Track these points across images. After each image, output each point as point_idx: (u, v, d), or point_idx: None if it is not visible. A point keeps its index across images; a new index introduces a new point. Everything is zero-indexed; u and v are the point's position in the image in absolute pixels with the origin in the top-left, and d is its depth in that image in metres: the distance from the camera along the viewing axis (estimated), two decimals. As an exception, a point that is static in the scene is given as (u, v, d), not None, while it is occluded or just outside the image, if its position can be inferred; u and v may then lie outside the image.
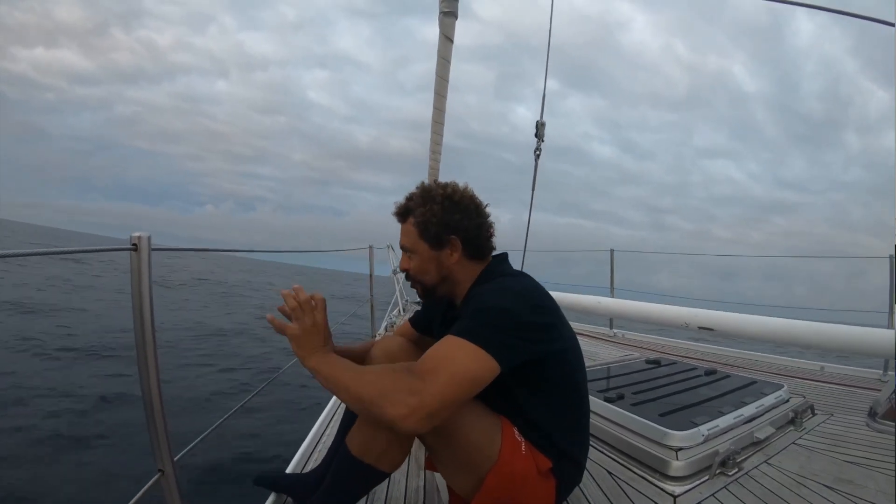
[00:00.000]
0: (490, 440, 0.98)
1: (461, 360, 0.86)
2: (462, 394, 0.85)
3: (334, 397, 2.21)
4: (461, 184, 1.14)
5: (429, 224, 1.09)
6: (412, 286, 1.19)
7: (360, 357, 1.24)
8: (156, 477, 1.05)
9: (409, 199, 1.14)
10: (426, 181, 1.18)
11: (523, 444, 1.01)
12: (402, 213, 1.14)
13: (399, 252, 1.20)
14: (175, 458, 1.07)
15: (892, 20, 1.77)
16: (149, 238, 1.00)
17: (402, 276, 5.59)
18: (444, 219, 1.08)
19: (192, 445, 1.26)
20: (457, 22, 2.80)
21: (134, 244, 0.99)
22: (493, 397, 1.03)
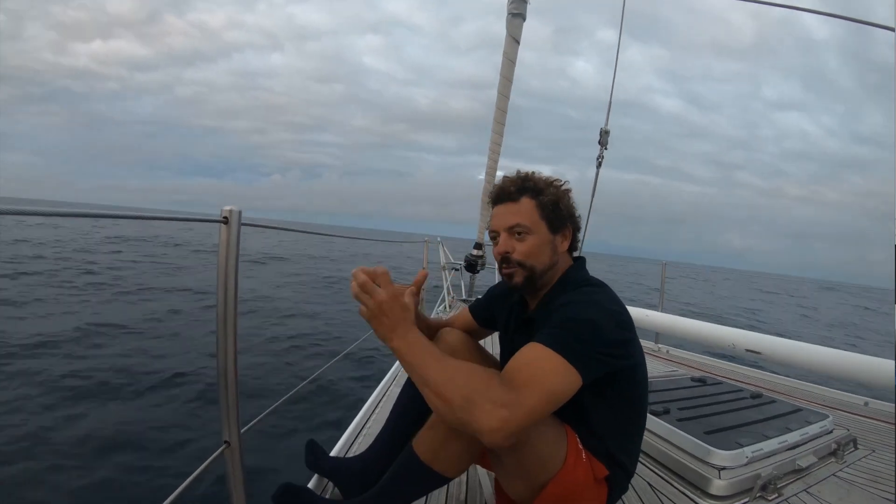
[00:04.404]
0: (556, 449, 1.04)
1: (552, 375, 0.90)
2: (549, 410, 0.90)
3: (379, 386, 2.35)
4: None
5: (558, 205, 1.13)
6: (505, 271, 1.16)
7: (434, 332, 1.31)
8: (221, 448, 1.12)
9: (525, 179, 1.14)
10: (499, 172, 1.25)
11: (583, 451, 1.08)
12: (517, 191, 1.13)
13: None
14: (242, 431, 1.15)
15: (892, 25, 1.83)
16: (240, 212, 1.07)
17: (451, 271, 5.80)
18: (570, 205, 1.17)
19: (258, 418, 1.38)
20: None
21: (225, 217, 1.05)
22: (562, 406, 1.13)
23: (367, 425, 1.94)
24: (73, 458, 2.90)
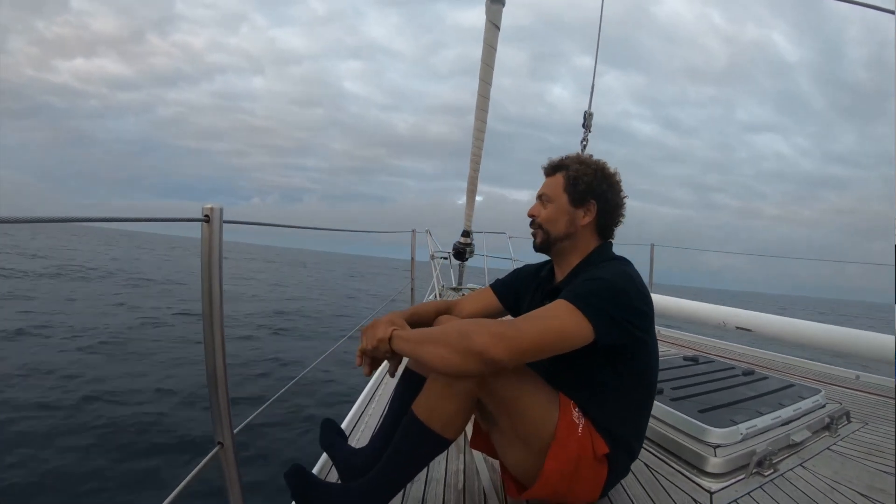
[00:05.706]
0: (547, 413, 1.08)
1: (559, 315, 0.98)
2: (548, 341, 0.97)
3: (373, 378, 2.33)
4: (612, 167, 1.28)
5: (579, 181, 1.24)
6: (533, 234, 1.32)
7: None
8: (215, 449, 1.10)
9: (565, 158, 1.30)
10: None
11: (581, 424, 1.10)
12: (554, 167, 1.30)
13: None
14: (235, 431, 1.13)
15: (892, 8, 1.87)
16: (221, 210, 1.05)
17: (440, 261, 5.79)
18: (594, 183, 1.24)
19: (251, 418, 1.36)
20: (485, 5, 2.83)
21: (206, 215, 1.03)
22: (573, 375, 1.14)
23: (368, 412, 1.95)
24: (62, 464, 2.88)
